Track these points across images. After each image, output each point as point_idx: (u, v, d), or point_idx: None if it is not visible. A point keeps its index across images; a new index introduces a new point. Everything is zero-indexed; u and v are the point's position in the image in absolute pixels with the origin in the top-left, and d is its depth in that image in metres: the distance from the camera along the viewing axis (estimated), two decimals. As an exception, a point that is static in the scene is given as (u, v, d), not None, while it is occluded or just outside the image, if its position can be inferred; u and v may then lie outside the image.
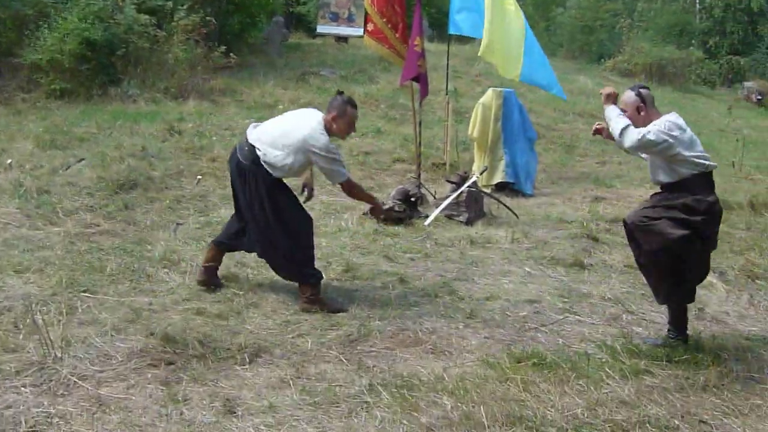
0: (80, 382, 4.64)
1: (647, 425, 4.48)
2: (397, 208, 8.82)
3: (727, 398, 4.88)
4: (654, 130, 5.20)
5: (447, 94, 11.46)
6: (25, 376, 4.66)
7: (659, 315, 6.36)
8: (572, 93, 18.61)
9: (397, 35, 9.43)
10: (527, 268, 7.43)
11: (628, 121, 5.33)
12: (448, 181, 9.65)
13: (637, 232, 5.38)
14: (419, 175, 10.06)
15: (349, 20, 22.33)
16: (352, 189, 6.31)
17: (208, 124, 12.29)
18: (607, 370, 5.15)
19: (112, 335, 5.30)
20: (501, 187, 10.76)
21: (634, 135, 5.24)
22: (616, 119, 5.39)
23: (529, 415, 4.50)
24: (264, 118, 12.58)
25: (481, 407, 4.53)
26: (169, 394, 4.55)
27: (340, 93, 6.19)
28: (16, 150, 10.25)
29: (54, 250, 7.12)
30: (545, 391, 4.82)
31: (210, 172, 10.19)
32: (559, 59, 25.90)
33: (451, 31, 10.47)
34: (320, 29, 22.86)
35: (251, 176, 6.02)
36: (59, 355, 4.89)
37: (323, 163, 6.00)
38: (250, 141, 6.08)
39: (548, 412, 4.57)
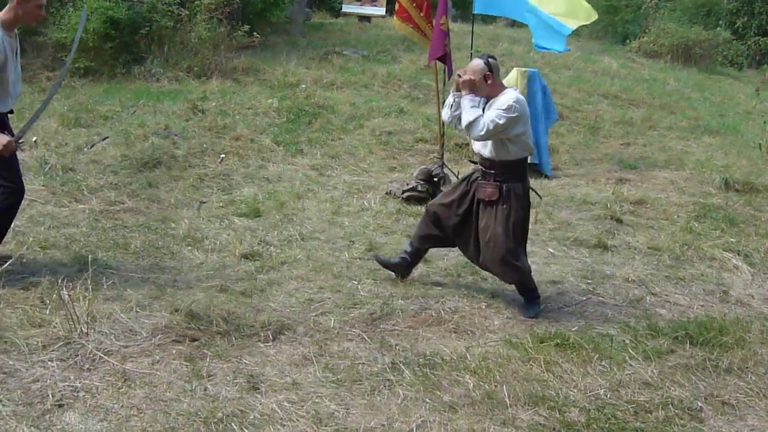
0: (106, 357, 4.69)
1: (670, 406, 4.47)
2: (420, 188, 8.81)
3: (751, 381, 4.86)
4: (501, 113, 5.46)
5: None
6: (52, 351, 4.71)
7: (683, 297, 6.36)
8: (596, 74, 18.47)
9: (422, 14, 9.38)
10: (550, 249, 7.41)
11: (479, 113, 5.53)
12: (472, 162, 9.61)
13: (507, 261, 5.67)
14: (442, 156, 10.02)
15: (373, 0, 22.23)
16: None
17: (231, 103, 12.30)
18: (630, 351, 5.14)
19: (136, 311, 5.34)
20: (524, 168, 10.69)
21: (480, 126, 5.48)
22: (469, 110, 5.57)
23: (552, 395, 4.51)
24: (286, 97, 12.74)
25: (504, 387, 4.54)
26: (194, 370, 4.59)
27: None
28: (41, 128, 10.30)
29: (79, 227, 7.18)
30: (568, 372, 4.82)
31: (233, 150, 10.21)
32: (584, 40, 25.62)
33: (476, 10, 10.38)
34: (344, 9, 22.80)
35: None
36: (85, 330, 4.94)
37: None
38: None
39: (571, 392, 4.57)
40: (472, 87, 5.65)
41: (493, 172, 5.70)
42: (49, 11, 13.96)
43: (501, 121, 5.44)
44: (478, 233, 5.78)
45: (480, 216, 5.75)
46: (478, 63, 5.66)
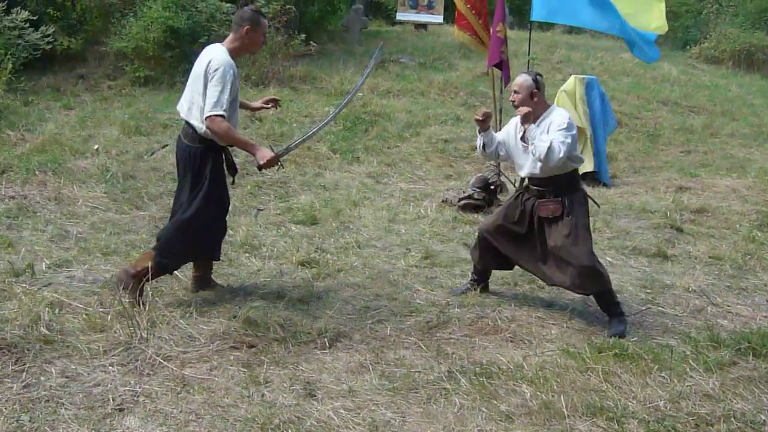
0: (165, 363, 4.75)
1: (732, 419, 4.38)
2: (476, 196, 8.78)
3: (817, 394, 4.74)
4: (566, 133, 5.45)
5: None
6: (113, 356, 4.79)
7: (746, 308, 6.24)
8: (656, 80, 18.26)
9: (480, 21, 9.36)
10: (609, 258, 7.32)
11: (549, 138, 5.45)
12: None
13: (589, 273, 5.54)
14: (499, 164, 9.98)
15: (429, 7, 22.26)
16: (219, 128, 5.36)
17: (288, 111, 12.39)
18: (691, 362, 5.04)
19: (195, 317, 5.40)
20: (582, 176, 10.59)
21: (556, 153, 5.39)
22: (540, 138, 5.50)
23: (610, 405, 4.45)
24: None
25: (561, 396, 4.49)
26: (251, 376, 4.62)
27: (246, 4, 5.74)
28: (103, 136, 10.51)
29: (139, 233, 7.29)
30: (626, 383, 4.75)
31: (290, 158, 10.27)
32: (643, 46, 25.34)
33: (534, 17, 10.31)
34: (400, 16, 22.86)
35: (194, 156, 5.58)
36: (145, 335, 5.00)
37: (212, 84, 5.32)
38: (183, 116, 5.66)
39: (629, 403, 4.50)
40: (530, 118, 5.62)
41: (551, 188, 5.68)
42: (111, 21, 14.26)
43: (569, 140, 5.43)
44: (545, 252, 5.72)
45: (546, 234, 5.69)
46: (525, 79, 5.65)
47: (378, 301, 5.99)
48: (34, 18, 12.77)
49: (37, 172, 8.66)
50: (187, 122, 5.59)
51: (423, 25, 22.52)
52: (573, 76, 11.14)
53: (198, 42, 13.94)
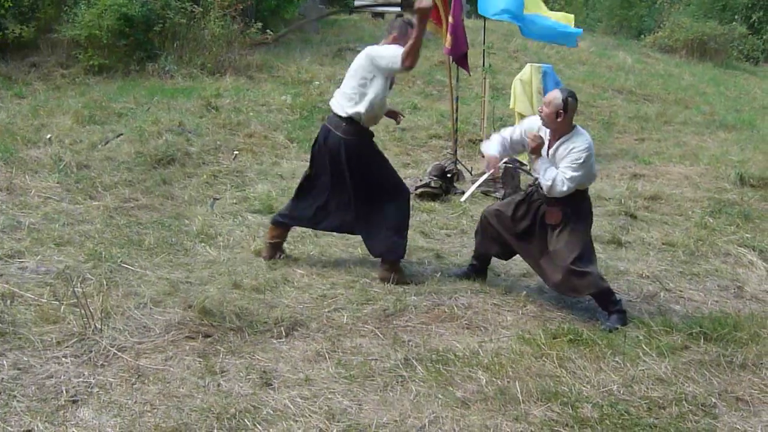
0: (119, 353, 4.71)
1: (684, 402, 4.46)
2: (433, 184, 8.80)
3: (766, 377, 4.83)
4: (577, 167, 5.53)
5: (484, 70, 11.35)
6: (66, 347, 4.74)
7: (698, 293, 6.35)
8: (611, 69, 18.42)
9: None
10: (564, 245, 7.37)
11: (554, 172, 5.57)
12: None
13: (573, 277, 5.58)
14: (455, 152, 10.02)
15: (386, -5, 22.28)
16: (410, 52, 5.78)
17: (244, 100, 12.31)
18: (644, 347, 5.12)
19: (150, 307, 5.36)
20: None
21: (559, 188, 5.54)
22: (545, 172, 5.61)
23: (565, 390, 4.50)
24: (300, 94, 12.75)
25: (516, 382, 4.54)
26: (207, 366, 4.60)
27: (400, 15, 6.15)
28: (56, 125, 10.35)
29: (93, 224, 7.20)
30: (581, 368, 4.81)
31: (247, 147, 10.22)
32: (598, 34, 25.59)
33: (481, 12, 10.34)
34: (357, 4, 22.80)
35: (343, 145, 6.11)
36: (99, 326, 4.96)
37: (386, 57, 5.90)
38: (331, 105, 6.25)
39: (584, 388, 4.56)
40: (540, 150, 5.67)
41: (557, 199, 5.69)
42: (63, 8, 14.06)
43: (577, 174, 5.51)
44: (544, 254, 5.78)
45: (548, 238, 5.75)
46: (556, 97, 5.58)
47: (334, 290, 5.98)
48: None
49: (-12, 162, 8.52)
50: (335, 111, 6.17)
51: (380, 14, 22.49)
52: (529, 64, 11.19)
53: (153, 30, 13.81)
